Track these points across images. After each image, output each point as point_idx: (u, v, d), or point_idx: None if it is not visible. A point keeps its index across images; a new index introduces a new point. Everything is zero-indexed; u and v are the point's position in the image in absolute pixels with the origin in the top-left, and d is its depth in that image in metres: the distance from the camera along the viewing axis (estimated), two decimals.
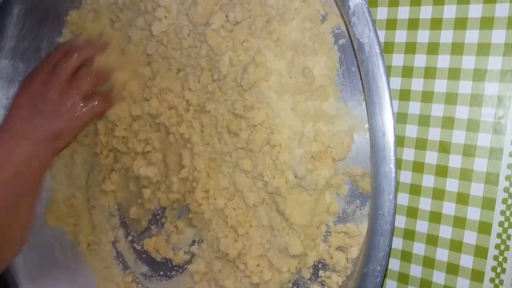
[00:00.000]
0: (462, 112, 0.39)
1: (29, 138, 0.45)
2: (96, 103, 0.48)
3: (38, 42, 0.56)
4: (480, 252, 0.38)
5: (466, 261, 0.39)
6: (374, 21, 0.33)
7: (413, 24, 0.41)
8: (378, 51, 0.32)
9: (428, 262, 0.41)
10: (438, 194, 0.40)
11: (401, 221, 0.42)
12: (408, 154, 0.41)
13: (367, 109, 0.33)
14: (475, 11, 0.38)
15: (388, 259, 0.36)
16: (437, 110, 0.40)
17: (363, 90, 0.34)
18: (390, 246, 0.33)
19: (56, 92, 0.46)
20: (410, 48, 0.41)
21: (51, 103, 0.46)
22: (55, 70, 0.47)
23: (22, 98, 0.46)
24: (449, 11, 0.39)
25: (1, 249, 0.44)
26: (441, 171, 0.40)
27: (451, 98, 0.39)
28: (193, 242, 0.50)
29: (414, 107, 0.41)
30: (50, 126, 0.46)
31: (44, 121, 0.45)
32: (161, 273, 0.54)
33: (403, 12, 0.41)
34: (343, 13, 0.34)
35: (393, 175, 0.32)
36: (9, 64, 0.55)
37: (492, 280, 0.38)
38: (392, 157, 0.32)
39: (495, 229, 0.38)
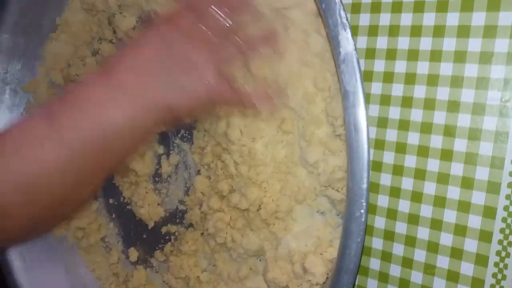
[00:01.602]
0: (468, 95, 0.38)
1: (135, 100, 0.31)
2: (238, 87, 0.35)
3: (40, 19, 0.56)
4: (485, 236, 0.38)
5: (471, 245, 0.39)
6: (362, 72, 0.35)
7: (419, 7, 0.40)
8: (361, 100, 0.34)
9: (431, 247, 0.41)
10: (443, 178, 0.40)
11: (405, 206, 0.42)
12: (413, 138, 0.41)
13: (347, 157, 0.36)
14: None
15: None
16: (443, 93, 0.39)
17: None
18: (354, 283, 0.37)
19: (207, 47, 0.33)
20: (416, 31, 0.40)
21: (198, 58, 0.33)
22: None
23: (144, 40, 0.34)
24: None
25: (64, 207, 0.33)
26: (446, 155, 0.39)
27: (457, 82, 0.39)
28: None
29: (420, 91, 0.41)
30: (177, 92, 0.33)
31: (170, 82, 0.32)
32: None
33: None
34: (334, 57, 0.35)
35: (363, 219, 0.34)
36: (10, 38, 0.55)
37: (496, 264, 0.38)
38: (364, 203, 0.34)
39: (500, 213, 0.37)
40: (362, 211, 0.34)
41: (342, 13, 0.34)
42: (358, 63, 0.34)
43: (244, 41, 0.35)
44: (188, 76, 0.33)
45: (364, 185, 0.34)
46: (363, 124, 0.34)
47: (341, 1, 0.34)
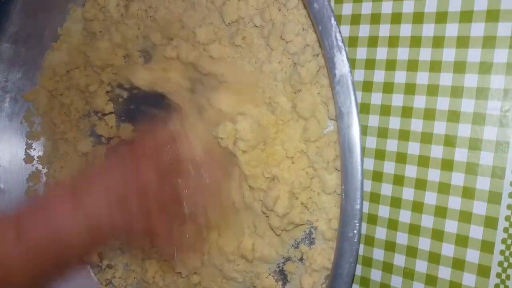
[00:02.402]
0: (468, 105, 0.39)
1: (87, 219, 0.37)
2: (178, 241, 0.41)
3: (41, 30, 0.57)
4: (487, 246, 0.38)
5: (473, 256, 0.38)
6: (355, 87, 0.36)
7: (418, 18, 0.41)
8: (356, 121, 0.35)
9: (433, 258, 0.40)
10: (444, 188, 0.40)
11: (406, 216, 0.42)
12: (414, 148, 0.41)
13: (341, 178, 0.36)
14: (481, 4, 0.38)
15: None
16: (443, 103, 0.40)
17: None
18: None
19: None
20: (415, 41, 0.41)
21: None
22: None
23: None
24: (455, 4, 0.39)
25: None
26: (447, 165, 0.39)
27: (456, 92, 0.39)
28: None
29: (420, 101, 0.41)
30: (118, 219, 0.38)
31: (116, 210, 0.37)
32: None
33: (408, 6, 0.41)
34: (329, 78, 0.36)
35: (356, 240, 0.35)
36: (11, 48, 0.56)
37: (499, 275, 0.37)
38: (357, 224, 0.35)
39: (502, 223, 0.37)
40: (355, 231, 0.35)
41: (338, 35, 0.35)
42: (353, 84, 0.35)
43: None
44: (136, 206, 0.38)
45: (358, 206, 0.35)
46: (357, 145, 0.35)
47: (337, 24, 0.35)
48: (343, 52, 0.35)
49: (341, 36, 0.35)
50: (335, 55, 0.35)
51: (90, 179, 0.39)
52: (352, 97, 0.35)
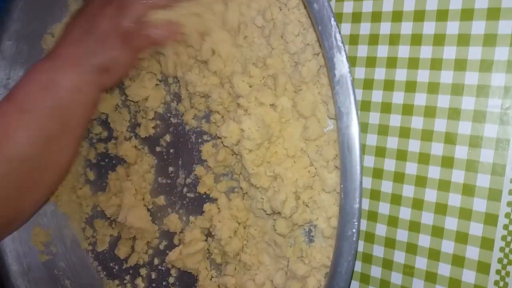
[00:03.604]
0: (468, 103, 0.39)
1: (73, 67, 0.39)
2: (155, 30, 0.41)
3: (43, 27, 0.57)
4: (487, 243, 0.38)
5: (473, 253, 0.39)
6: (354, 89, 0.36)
7: (419, 16, 0.41)
8: (355, 122, 0.35)
9: (433, 255, 0.40)
10: (444, 185, 0.40)
11: (406, 213, 0.42)
12: (414, 146, 0.41)
13: (340, 177, 0.36)
14: (482, 2, 0.38)
15: None
16: (444, 101, 0.40)
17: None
18: None
19: (112, 11, 0.40)
20: (416, 39, 0.41)
21: (104, 25, 0.40)
22: None
23: (74, 22, 0.42)
24: (456, 2, 0.39)
25: (30, 191, 0.41)
26: (447, 162, 0.40)
27: (457, 89, 0.39)
28: None
29: (420, 99, 0.41)
30: (99, 54, 0.40)
31: (93, 48, 0.40)
32: None
33: (410, 4, 0.41)
34: (329, 79, 0.36)
35: (354, 238, 0.35)
36: (13, 45, 0.56)
37: (498, 272, 0.38)
38: (356, 223, 0.35)
39: (502, 220, 0.37)
40: (354, 230, 0.35)
41: (338, 36, 0.35)
42: (353, 85, 0.35)
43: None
44: (114, 38, 0.40)
45: (357, 205, 0.35)
46: (356, 145, 0.35)
47: (336, 24, 0.35)
48: (343, 53, 0.35)
49: (341, 36, 0.35)
50: (334, 55, 0.35)
51: (63, 40, 0.41)
52: (352, 97, 0.35)
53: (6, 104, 0.39)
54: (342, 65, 0.35)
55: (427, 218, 0.41)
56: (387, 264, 0.43)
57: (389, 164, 0.43)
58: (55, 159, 0.41)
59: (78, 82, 0.39)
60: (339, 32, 0.35)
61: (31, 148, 0.39)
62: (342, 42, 0.35)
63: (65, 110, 0.39)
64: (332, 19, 0.35)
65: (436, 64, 0.40)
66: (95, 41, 0.40)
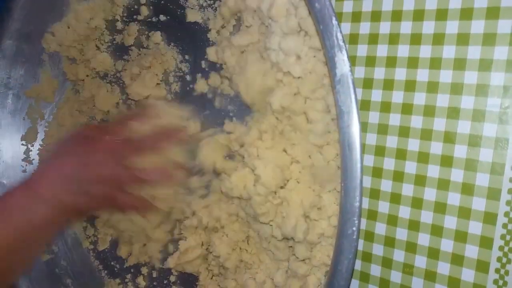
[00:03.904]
0: (467, 102, 0.39)
1: (50, 204, 0.41)
2: (136, 199, 0.45)
3: (43, 27, 0.57)
4: (486, 242, 0.38)
5: (472, 252, 0.39)
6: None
7: (418, 15, 0.41)
8: (356, 120, 0.35)
9: (432, 253, 0.41)
10: (443, 184, 0.40)
11: (406, 212, 0.42)
12: (414, 145, 0.41)
13: (341, 176, 0.36)
14: (481, 1, 0.38)
15: None
16: (443, 100, 0.40)
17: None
18: None
19: (101, 156, 0.43)
20: (416, 39, 0.41)
21: (90, 174, 0.42)
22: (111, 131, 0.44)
23: (62, 159, 0.43)
24: (455, 2, 0.39)
25: None
26: (447, 161, 0.40)
27: (456, 89, 0.39)
28: None
29: (420, 98, 0.41)
30: (80, 199, 0.42)
31: (74, 191, 0.42)
32: None
33: (409, 3, 0.41)
34: (330, 78, 0.37)
35: (355, 237, 0.35)
36: (13, 44, 0.57)
37: (497, 270, 0.38)
38: (356, 221, 0.35)
39: (501, 219, 0.38)
40: (354, 228, 0.35)
41: (339, 35, 0.35)
42: (353, 84, 0.35)
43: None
44: (95, 187, 0.42)
45: (357, 204, 0.35)
46: (357, 143, 0.35)
47: (338, 24, 0.35)
48: (344, 52, 0.35)
49: (342, 35, 0.35)
50: (336, 54, 0.35)
51: (47, 171, 0.43)
52: (353, 96, 0.35)
53: None
54: (343, 64, 0.35)
55: (427, 217, 0.41)
56: (387, 263, 0.43)
57: (389, 163, 0.43)
58: (10, 270, 0.43)
59: (49, 218, 0.42)
60: (340, 31, 0.35)
61: None
62: (344, 41, 0.35)
63: (30, 244, 0.42)
64: (334, 18, 0.35)
65: (435, 63, 0.40)
66: (83, 184, 0.42)
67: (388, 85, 0.43)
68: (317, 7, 0.36)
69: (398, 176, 0.42)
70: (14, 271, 0.44)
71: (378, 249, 0.43)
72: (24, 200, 0.41)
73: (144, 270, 0.56)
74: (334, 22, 0.35)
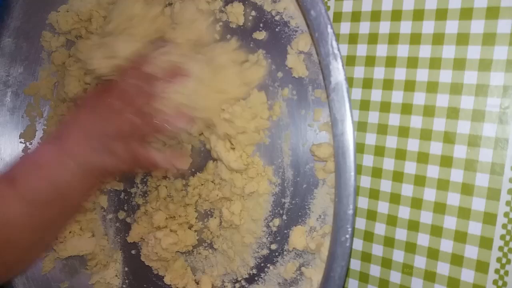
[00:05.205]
0: (467, 102, 0.39)
1: (75, 163, 0.40)
2: (163, 155, 0.43)
3: (42, 25, 0.57)
4: (486, 243, 0.38)
5: (471, 252, 0.39)
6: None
7: (418, 15, 0.41)
8: (350, 128, 0.35)
9: (432, 254, 0.40)
10: (443, 184, 0.40)
11: (405, 213, 0.42)
12: (413, 145, 0.41)
13: (335, 183, 0.37)
14: (481, 1, 0.38)
15: None
16: (443, 100, 0.40)
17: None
18: None
19: (118, 105, 0.41)
20: (415, 39, 0.41)
21: (110, 127, 0.41)
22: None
23: (78, 115, 0.43)
24: (455, 2, 0.39)
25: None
26: (446, 161, 0.40)
27: (456, 88, 0.39)
28: None
29: (419, 98, 0.41)
30: (101, 156, 0.41)
31: (96, 147, 0.41)
32: None
33: (409, 3, 0.41)
34: (325, 86, 0.37)
35: (348, 244, 0.35)
36: (12, 42, 0.56)
37: (497, 271, 0.38)
38: (349, 228, 0.35)
39: (501, 219, 0.37)
40: (348, 236, 0.35)
41: (334, 43, 0.35)
42: (348, 92, 0.35)
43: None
44: (118, 144, 0.41)
45: (350, 211, 0.35)
46: (351, 151, 0.35)
47: (333, 32, 0.35)
48: (339, 60, 0.35)
49: (337, 44, 0.36)
50: (330, 62, 0.35)
51: (70, 128, 0.42)
52: (347, 105, 0.35)
53: (7, 189, 0.39)
54: (338, 72, 0.35)
55: (426, 217, 0.41)
56: (386, 263, 0.43)
57: (388, 163, 0.43)
58: (40, 240, 0.42)
59: (79, 178, 0.41)
60: (336, 40, 0.36)
61: (30, 233, 0.40)
62: (339, 50, 0.35)
63: (64, 201, 0.41)
64: (329, 26, 0.36)
65: (435, 63, 0.40)
66: (108, 143, 0.41)
67: (388, 85, 0.43)
68: (312, 14, 0.36)
69: (398, 176, 0.42)
70: (50, 233, 0.43)
71: (377, 249, 0.43)
72: (54, 157, 0.40)
73: None
74: (330, 30, 0.36)
